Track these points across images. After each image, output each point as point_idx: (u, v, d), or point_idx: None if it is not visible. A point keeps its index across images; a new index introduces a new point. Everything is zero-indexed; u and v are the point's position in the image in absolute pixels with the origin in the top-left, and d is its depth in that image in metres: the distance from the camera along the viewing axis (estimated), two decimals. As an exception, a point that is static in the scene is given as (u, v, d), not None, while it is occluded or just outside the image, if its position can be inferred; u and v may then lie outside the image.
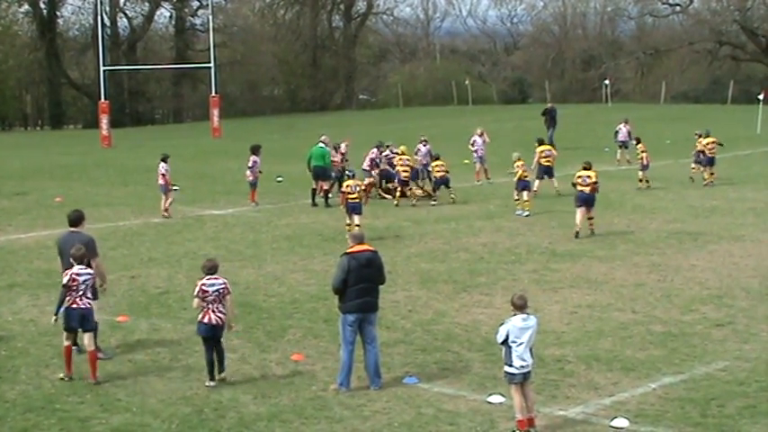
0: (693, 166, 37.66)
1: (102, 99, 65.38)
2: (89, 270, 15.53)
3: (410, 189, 33.54)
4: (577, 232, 26.33)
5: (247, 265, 23.69)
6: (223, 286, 15.07)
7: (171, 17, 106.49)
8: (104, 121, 64.03)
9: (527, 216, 29.63)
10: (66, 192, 37.54)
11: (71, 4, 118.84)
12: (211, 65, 69.60)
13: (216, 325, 15.00)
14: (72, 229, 16.87)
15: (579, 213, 26.60)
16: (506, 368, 13.18)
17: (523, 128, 54.62)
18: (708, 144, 36.77)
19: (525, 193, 30.30)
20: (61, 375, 15.58)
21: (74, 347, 16.67)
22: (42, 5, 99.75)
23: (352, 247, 14.82)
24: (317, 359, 16.26)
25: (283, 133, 66.79)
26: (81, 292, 15.38)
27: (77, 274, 15.36)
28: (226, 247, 26.05)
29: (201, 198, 34.48)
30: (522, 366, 13.06)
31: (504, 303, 18.20)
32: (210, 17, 77.30)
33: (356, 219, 26.72)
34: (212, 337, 15.03)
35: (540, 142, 35.77)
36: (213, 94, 69.68)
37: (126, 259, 24.57)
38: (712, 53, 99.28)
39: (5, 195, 37.24)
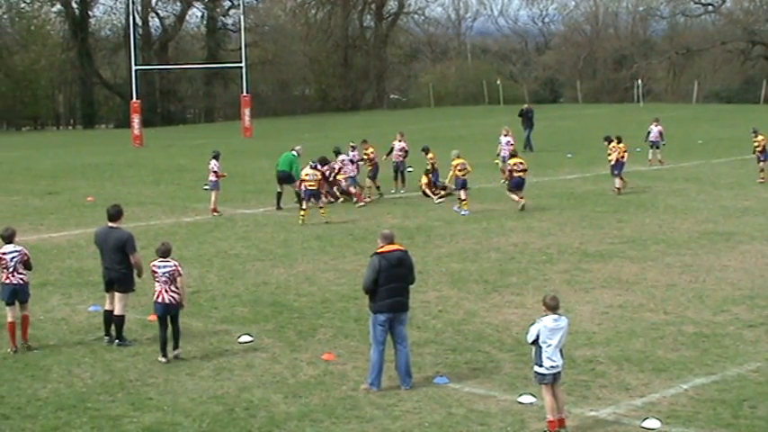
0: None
1: (134, 98, 65.56)
2: (17, 248, 16.84)
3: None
4: (523, 206, 30.36)
5: (278, 265, 23.72)
6: (173, 269, 16.10)
7: (202, 17, 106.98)
8: (136, 120, 64.27)
9: (466, 215, 30.01)
10: (98, 191, 37.71)
11: (103, 4, 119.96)
12: (243, 64, 69.71)
13: (169, 304, 16.10)
14: (110, 224, 17.23)
15: (516, 196, 30.76)
16: (536, 368, 13.16)
17: (554, 127, 54.45)
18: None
19: (463, 192, 30.63)
20: (9, 350, 16.69)
21: (105, 337, 17.13)
22: (74, 5, 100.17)
23: (382, 246, 14.77)
24: (347, 359, 16.27)
25: (314, 133, 66.87)
26: (11, 269, 16.73)
27: (4, 253, 16.77)
28: (257, 246, 26.10)
29: (232, 197, 34.54)
30: (552, 367, 13.03)
31: (536, 303, 18.19)
32: (242, 17, 77.53)
33: (306, 204, 29.64)
34: (167, 315, 16.15)
35: (609, 140, 35.44)
36: (244, 93, 69.80)
37: (157, 258, 24.63)
38: (745, 53, 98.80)
39: (38, 195, 37.46)
